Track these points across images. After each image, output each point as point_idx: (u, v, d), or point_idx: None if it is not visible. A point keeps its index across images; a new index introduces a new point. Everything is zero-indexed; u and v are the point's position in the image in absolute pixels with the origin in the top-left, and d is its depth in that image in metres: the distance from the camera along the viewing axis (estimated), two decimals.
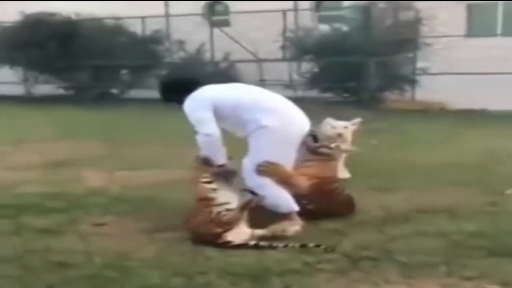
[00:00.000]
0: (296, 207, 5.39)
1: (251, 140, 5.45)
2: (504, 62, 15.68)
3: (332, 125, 6.59)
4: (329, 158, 5.81)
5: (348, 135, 6.64)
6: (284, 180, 5.42)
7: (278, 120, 5.38)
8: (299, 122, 5.56)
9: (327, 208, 5.55)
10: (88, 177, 7.57)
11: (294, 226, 5.31)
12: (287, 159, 5.46)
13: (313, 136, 5.69)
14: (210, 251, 4.81)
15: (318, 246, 4.80)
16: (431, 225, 5.31)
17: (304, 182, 5.53)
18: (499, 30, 19.76)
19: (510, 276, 4.14)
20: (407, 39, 15.82)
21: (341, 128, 6.61)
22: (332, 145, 5.89)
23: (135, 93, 17.84)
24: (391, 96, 15.68)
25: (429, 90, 14.91)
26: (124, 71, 18.97)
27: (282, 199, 5.39)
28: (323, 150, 5.77)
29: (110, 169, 7.95)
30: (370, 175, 7.00)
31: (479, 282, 4.09)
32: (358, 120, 6.73)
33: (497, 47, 17.72)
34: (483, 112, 13.41)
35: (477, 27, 19.72)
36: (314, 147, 5.70)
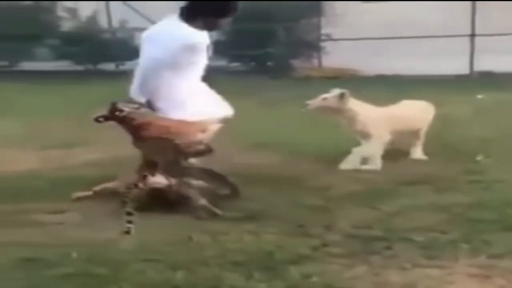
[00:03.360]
0: None
1: None
2: (404, 26, 15.79)
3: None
4: None
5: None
6: None
7: None
8: None
9: None
10: (14, 158, 6.77)
11: None
12: None
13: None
14: (198, 237, 4.31)
15: None
16: (420, 198, 5.03)
17: None
18: None
19: None
20: (310, 3, 15.54)
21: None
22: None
23: (25, 65, 16.74)
24: (299, 64, 15.37)
25: (335, 57, 14.77)
26: (11, 42, 17.65)
27: None
28: None
29: (34, 148, 7.20)
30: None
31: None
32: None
33: (391, 12, 17.76)
34: (398, 77, 13.32)
35: None
36: None
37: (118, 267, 3.81)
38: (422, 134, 6.41)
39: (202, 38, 5.13)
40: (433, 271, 3.68)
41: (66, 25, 17.14)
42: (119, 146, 6.96)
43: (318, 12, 15.74)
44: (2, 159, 6.61)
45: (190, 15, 5.12)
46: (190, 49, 5.07)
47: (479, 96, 10.13)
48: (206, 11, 5.16)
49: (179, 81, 5.10)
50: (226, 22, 5.41)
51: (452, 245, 4.01)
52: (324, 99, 6.05)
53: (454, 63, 13.66)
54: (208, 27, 5.21)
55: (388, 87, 11.69)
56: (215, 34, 15.57)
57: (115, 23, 16.72)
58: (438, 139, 6.97)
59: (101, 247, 4.12)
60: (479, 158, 6.12)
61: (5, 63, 17.45)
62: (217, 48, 15.84)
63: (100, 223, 4.65)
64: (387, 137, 6.03)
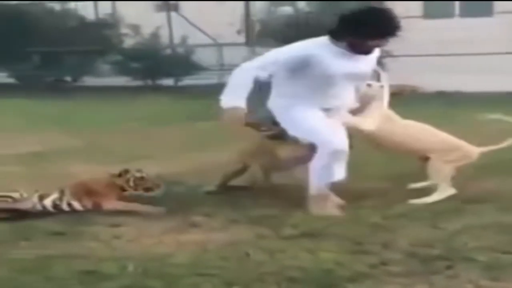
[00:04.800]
0: None
1: None
2: (464, 43, 15.55)
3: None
4: None
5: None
6: None
7: None
8: None
9: None
10: (79, 171, 6.84)
11: None
12: None
13: None
14: (255, 253, 4.28)
15: None
16: (483, 217, 4.89)
17: None
18: (456, 11, 19.48)
19: None
20: None
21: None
22: None
23: (87, 80, 17.13)
24: None
25: (395, 73, 14.62)
26: (74, 58, 18.05)
27: None
28: None
29: (97, 162, 7.26)
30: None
31: None
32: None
33: (455, 29, 17.53)
34: (459, 93, 13.13)
35: (434, 8, 19.32)
36: None
37: (174, 280, 3.82)
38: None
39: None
40: None
41: (128, 42, 17.43)
42: (179, 160, 7.11)
43: None
44: (65, 173, 6.69)
45: (333, 37, 5.16)
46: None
47: None
48: (346, 32, 5.12)
49: None
50: (380, 43, 5.41)
51: None
52: None
53: None
54: (355, 49, 5.15)
55: (449, 104, 11.53)
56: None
57: (176, 40, 16.92)
58: (502, 156, 6.80)
59: (157, 261, 4.12)
60: None
61: (68, 78, 17.88)
62: None
63: (156, 237, 4.67)
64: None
